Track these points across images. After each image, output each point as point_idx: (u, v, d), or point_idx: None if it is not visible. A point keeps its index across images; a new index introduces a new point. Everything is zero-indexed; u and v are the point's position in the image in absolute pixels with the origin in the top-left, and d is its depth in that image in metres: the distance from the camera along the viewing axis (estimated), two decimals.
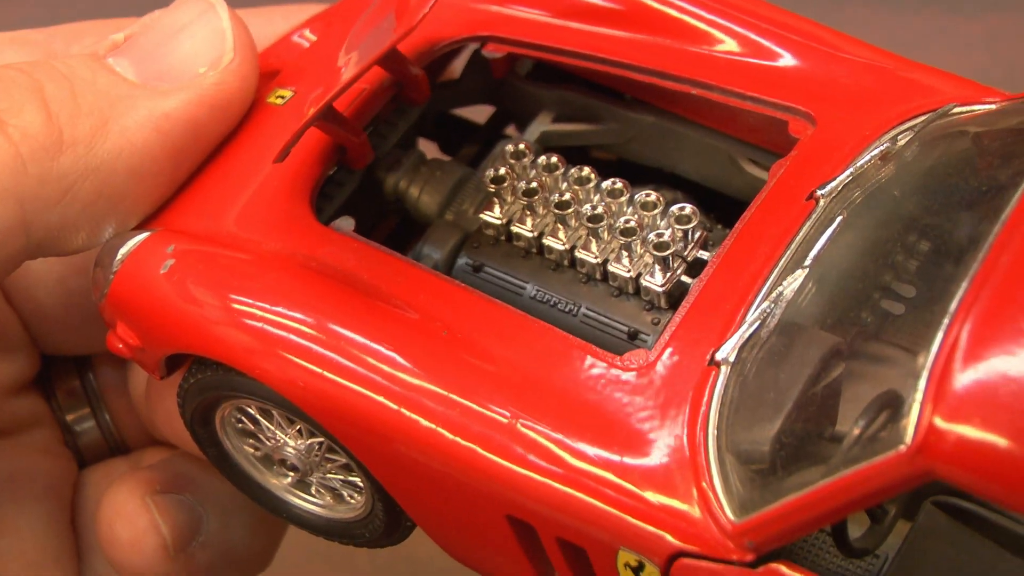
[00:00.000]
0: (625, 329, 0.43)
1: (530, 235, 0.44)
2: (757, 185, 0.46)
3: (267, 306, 0.42)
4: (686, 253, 0.43)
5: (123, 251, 0.44)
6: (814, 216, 0.41)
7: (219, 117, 0.46)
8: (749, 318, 0.39)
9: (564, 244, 0.44)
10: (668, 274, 0.42)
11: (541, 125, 0.49)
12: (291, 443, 0.45)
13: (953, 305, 0.35)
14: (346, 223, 0.45)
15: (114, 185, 0.44)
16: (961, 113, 0.44)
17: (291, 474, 0.47)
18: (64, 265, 0.50)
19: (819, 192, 0.42)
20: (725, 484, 0.37)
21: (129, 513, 0.49)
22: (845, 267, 0.40)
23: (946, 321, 0.34)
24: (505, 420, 0.39)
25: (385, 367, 0.41)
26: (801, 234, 0.41)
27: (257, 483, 0.47)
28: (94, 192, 0.43)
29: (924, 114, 0.44)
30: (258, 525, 0.52)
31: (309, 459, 0.45)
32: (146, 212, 0.46)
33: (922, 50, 0.90)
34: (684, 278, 0.43)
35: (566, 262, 0.44)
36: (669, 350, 0.40)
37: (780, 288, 0.39)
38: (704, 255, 0.43)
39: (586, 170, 0.45)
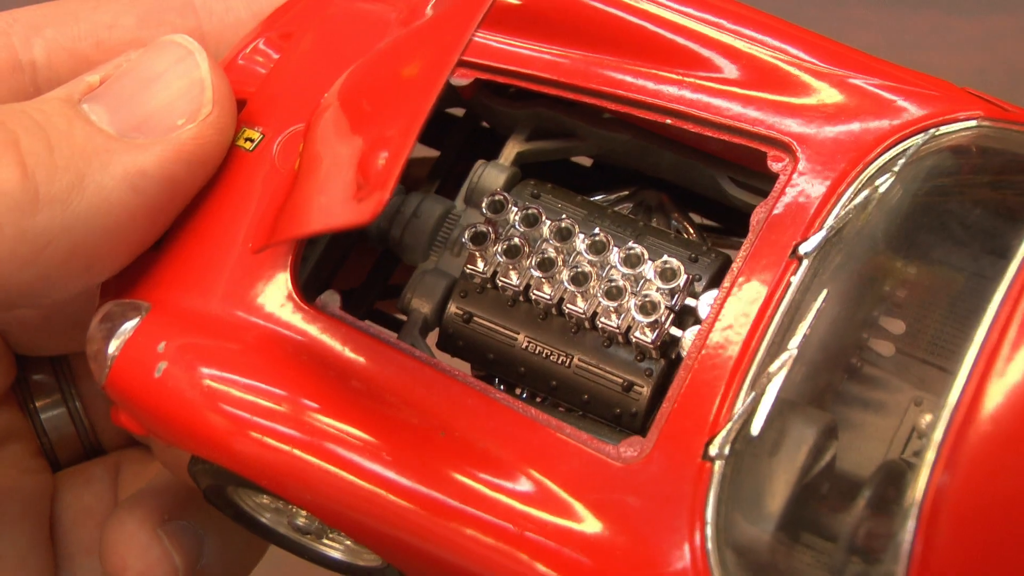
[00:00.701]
0: (620, 381, 0.43)
1: (516, 287, 0.44)
2: (736, 202, 0.46)
3: (269, 424, 0.41)
4: (674, 302, 0.42)
5: (115, 345, 0.43)
6: (797, 280, 0.40)
7: (197, 172, 0.45)
8: (738, 408, 0.39)
9: (551, 298, 0.43)
10: (658, 330, 0.42)
11: (516, 146, 0.48)
12: (302, 513, 0.46)
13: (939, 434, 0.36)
14: (332, 298, 0.44)
15: (90, 243, 0.43)
16: (941, 137, 0.43)
17: (307, 535, 0.47)
18: None
19: (802, 251, 0.41)
20: None
21: (141, 545, 0.49)
22: (829, 336, 0.40)
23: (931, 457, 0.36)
24: (513, 530, 0.39)
25: (390, 476, 0.40)
26: (786, 302, 0.40)
27: (279, 533, 0.47)
28: (69, 251, 0.42)
29: (904, 139, 0.43)
30: (251, 541, 0.52)
31: (320, 527, 0.46)
32: (121, 267, 0.45)
33: (922, 50, 0.90)
34: (673, 330, 0.42)
35: (554, 311, 0.44)
36: (662, 445, 0.39)
37: (768, 374, 0.39)
38: (692, 302, 0.42)
39: (566, 222, 0.44)
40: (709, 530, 0.38)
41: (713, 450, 0.38)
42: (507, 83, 0.46)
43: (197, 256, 0.45)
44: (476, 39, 0.45)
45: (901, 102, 0.43)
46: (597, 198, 0.48)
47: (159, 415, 0.43)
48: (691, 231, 0.48)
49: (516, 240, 0.43)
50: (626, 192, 0.49)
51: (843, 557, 0.38)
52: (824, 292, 0.40)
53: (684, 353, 0.41)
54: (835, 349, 0.40)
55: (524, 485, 0.40)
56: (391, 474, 0.40)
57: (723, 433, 0.39)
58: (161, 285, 0.45)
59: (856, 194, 0.41)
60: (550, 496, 0.39)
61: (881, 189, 0.41)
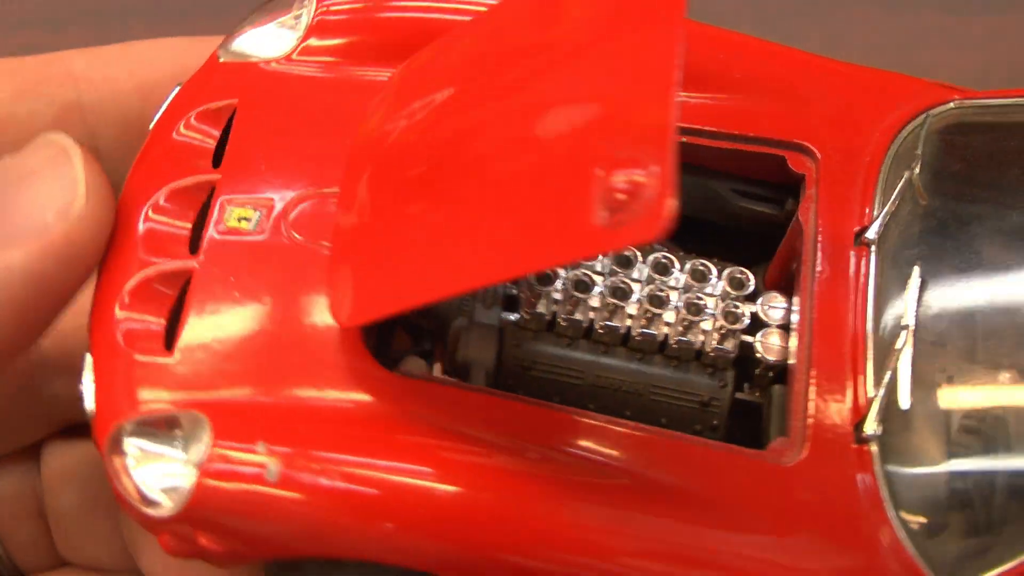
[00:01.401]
0: (698, 398, 0.43)
1: (581, 324, 0.43)
2: (745, 215, 0.46)
3: (426, 502, 0.39)
4: (740, 311, 0.43)
5: (191, 466, 0.39)
6: (874, 264, 0.43)
7: (69, 269, 0.42)
8: (872, 389, 0.41)
9: (620, 328, 0.43)
10: (735, 340, 0.43)
11: None
12: None
13: None
14: (415, 364, 0.43)
15: None
16: (937, 117, 0.46)
17: None
18: None
19: (867, 237, 0.43)
20: (930, 562, 0.39)
21: None
22: (938, 309, 0.43)
23: None
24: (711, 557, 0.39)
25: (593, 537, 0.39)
26: (872, 287, 0.42)
27: None
28: None
29: (915, 116, 0.46)
30: None
31: None
32: None
33: (922, 50, 0.90)
34: (745, 337, 0.43)
35: (616, 343, 0.44)
36: (815, 441, 0.40)
37: (895, 350, 0.41)
38: (754, 308, 0.43)
39: (627, 253, 0.44)
40: (888, 506, 0.39)
41: (868, 431, 0.40)
42: None
43: (238, 349, 0.42)
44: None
45: (895, 91, 0.47)
46: None
47: (278, 520, 0.39)
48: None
49: (580, 275, 0.43)
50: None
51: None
52: (917, 267, 0.42)
53: (764, 357, 0.42)
54: (936, 312, 0.42)
55: (718, 512, 0.40)
56: (592, 532, 0.39)
57: (872, 414, 0.40)
58: (197, 387, 0.41)
59: (889, 176, 0.44)
60: (744, 516, 0.40)
61: (916, 170, 0.44)
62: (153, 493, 0.40)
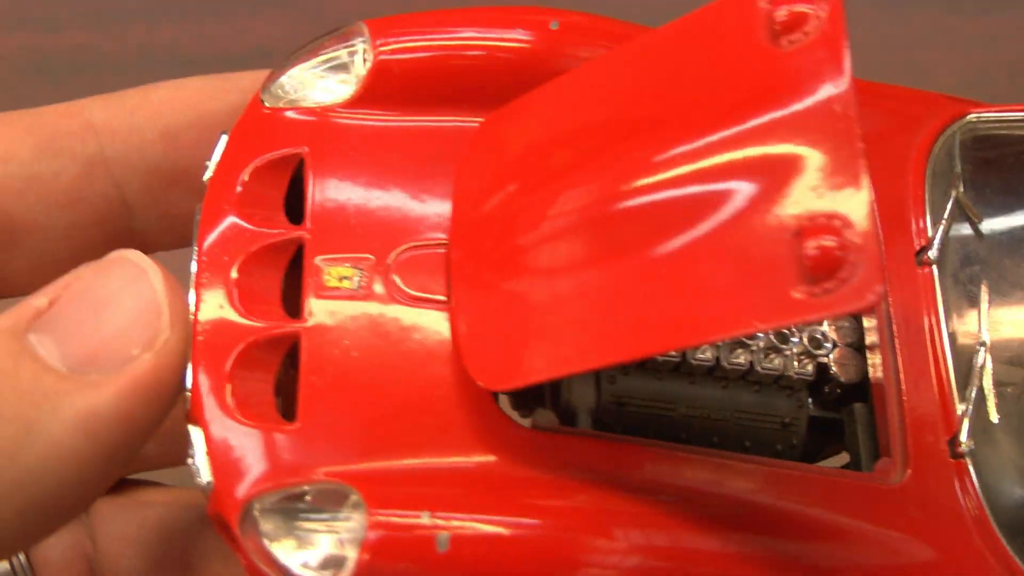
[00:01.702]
0: (780, 420, 0.44)
1: (675, 359, 0.43)
2: None
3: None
4: (822, 336, 0.44)
5: (354, 540, 0.37)
6: (938, 283, 0.43)
7: (156, 406, 0.40)
8: (959, 405, 0.42)
9: (711, 359, 0.43)
10: (814, 362, 0.44)
11: None
12: None
13: None
14: (546, 417, 0.41)
15: (41, 497, 0.38)
16: (964, 128, 0.47)
17: None
18: None
19: (930, 255, 0.44)
20: None
21: None
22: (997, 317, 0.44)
23: None
24: None
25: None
26: (941, 302, 0.43)
27: None
28: (19, 509, 0.38)
29: (942, 132, 0.47)
30: None
31: None
32: (78, 514, 0.40)
33: (922, 50, 0.90)
34: (821, 358, 0.44)
35: (703, 373, 0.44)
36: (915, 458, 0.41)
37: (976, 367, 0.43)
38: (823, 329, 0.44)
39: None
40: (991, 517, 0.40)
41: (964, 447, 0.41)
42: None
43: (367, 415, 0.40)
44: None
45: (916, 107, 0.47)
46: None
47: None
48: None
49: None
50: None
51: None
52: (984, 283, 0.44)
53: (838, 377, 0.43)
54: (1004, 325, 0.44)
55: (842, 536, 0.40)
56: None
57: (964, 429, 0.41)
58: (334, 457, 0.39)
59: (933, 195, 0.45)
60: (865, 538, 0.40)
61: (960, 188, 0.45)
62: (306, 573, 0.38)
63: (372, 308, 0.41)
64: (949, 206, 0.45)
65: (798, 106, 0.35)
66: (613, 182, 0.39)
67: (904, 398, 0.42)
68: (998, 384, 0.42)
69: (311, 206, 0.43)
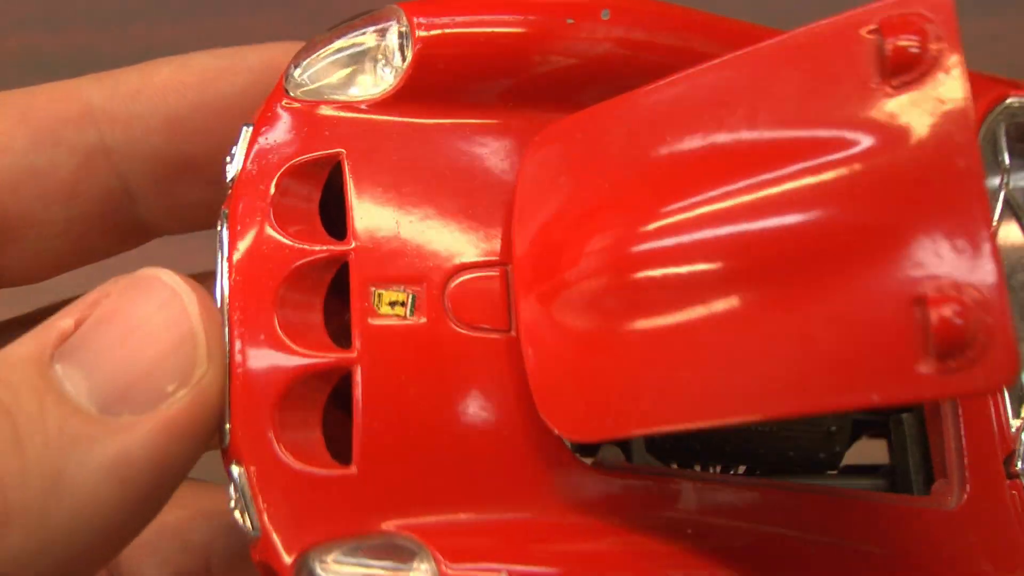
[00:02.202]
0: (823, 429, 0.43)
1: None
2: None
3: None
4: None
5: None
6: None
7: (192, 445, 0.37)
8: (1013, 420, 0.41)
9: None
10: None
11: None
12: None
13: None
14: (612, 453, 0.39)
15: (75, 549, 0.36)
16: (1005, 112, 0.45)
17: None
18: None
19: None
20: None
21: None
22: None
23: None
24: None
25: None
26: None
27: None
28: (53, 566, 0.35)
29: (984, 118, 0.44)
30: None
31: None
32: (106, 564, 0.38)
33: None
34: None
35: None
36: (973, 480, 0.40)
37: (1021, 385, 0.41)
38: None
39: None
40: None
41: (1020, 466, 0.40)
42: None
43: (431, 460, 0.37)
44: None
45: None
46: None
47: None
48: None
49: None
50: None
51: None
52: None
53: None
54: None
55: (902, 566, 0.39)
56: None
57: (1021, 448, 0.40)
58: (399, 506, 0.36)
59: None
60: (924, 566, 0.39)
61: (1010, 184, 0.43)
62: None
63: (427, 339, 0.38)
64: (999, 206, 0.42)
65: (917, 158, 0.32)
66: (708, 224, 0.35)
67: (961, 416, 0.41)
68: None
69: (354, 219, 0.39)
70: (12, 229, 0.43)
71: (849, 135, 0.33)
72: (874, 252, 0.32)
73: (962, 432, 0.40)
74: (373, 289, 0.38)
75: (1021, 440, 0.40)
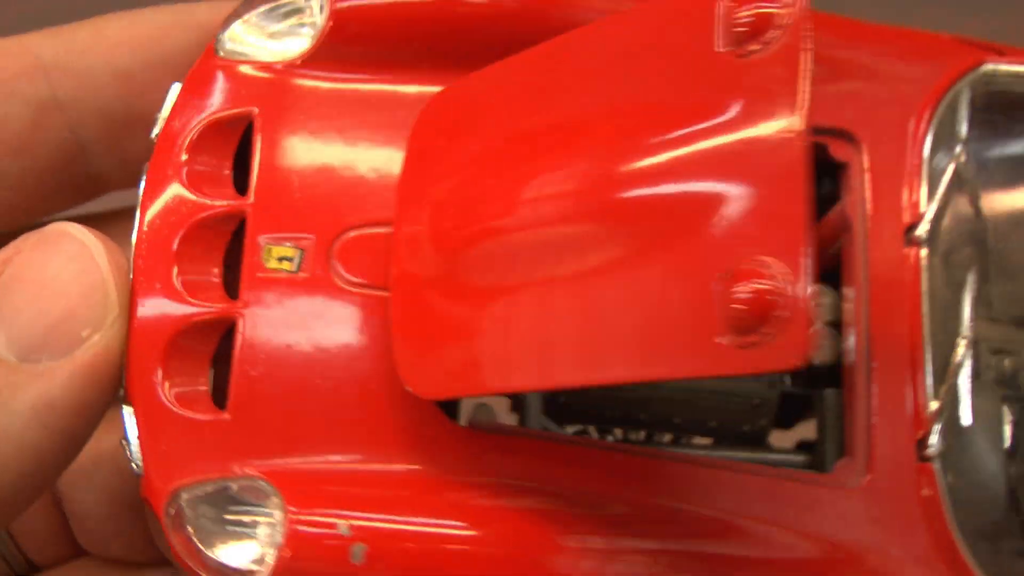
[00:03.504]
0: (748, 401, 0.43)
1: None
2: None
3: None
4: None
5: (271, 548, 0.38)
6: (925, 267, 0.40)
7: (105, 388, 0.39)
8: (931, 401, 0.39)
9: None
10: None
11: None
12: None
13: None
14: (484, 412, 0.40)
15: (3, 491, 0.38)
16: (976, 84, 0.43)
17: None
18: None
19: (917, 234, 0.40)
20: None
21: None
22: (999, 303, 0.41)
23: None
24: None
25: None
26: (925, 291, 0.40)
27: None
28: None
29: (949, 88, 0.42)
30: None
31: None
32: (37, 499, 0.40)
33: None
34: None
35: None
36: (878, 459, 0.39)
37: (954, 363, 0.39)
38: None
39: None
40: (952, 526, 0.38)
41: (931, 449, 0.39)
42: None
43: (295, 409, 0.39)
44: None
45: (928, 61, 0.44)
46: None
47: None
48: None
49: None
50: None
51: None
52: (972, 271, 0.40)
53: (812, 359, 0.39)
54: (995, 316, 0.41)
55: (777, 548, 0.39)
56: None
57: (935, 430, 0.39)
58: (255, 451, 0.39)
59: (933, 161, 0.41)
60: (806, 548, 0.39)
61: (961, 157, 0.41)
62: (225, 566, 0.38)
63: (309, 294, 0.40)
64: (947, 177, 0.41)
65: (745, 133, 0.32)
66: (561, 196, 0.37)
67: (873, 393, 0.39)
68: (977, 379, 0.39)
69: (256, 176, 0.41)
70: None
71: (687, 104, 0.34)
72: (695, 225, 0.33)
73: (871, 411, 0.39)
74: (264, 244, 0.40)
75: (936, 423, 0.39)
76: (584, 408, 0.44)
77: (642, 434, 0.46)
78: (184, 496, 0.38)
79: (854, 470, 0.39)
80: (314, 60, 0.42)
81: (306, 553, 0.37)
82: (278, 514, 0.37)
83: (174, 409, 0.39)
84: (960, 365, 0.39)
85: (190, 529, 0.38)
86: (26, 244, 0.40)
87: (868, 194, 0.41)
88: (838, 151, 0.42)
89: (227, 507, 0.38)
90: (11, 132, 0.44)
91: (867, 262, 0.40)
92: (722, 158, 0.33)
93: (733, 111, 0.33)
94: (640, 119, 0.36)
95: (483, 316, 0.38)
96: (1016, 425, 0.41)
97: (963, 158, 0.42)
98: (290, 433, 0.39)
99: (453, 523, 0.38)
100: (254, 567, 0.37)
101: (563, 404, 0.43)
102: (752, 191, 0.32)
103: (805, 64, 0.32)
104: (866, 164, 0.42)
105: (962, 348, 0.40)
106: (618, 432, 0.46)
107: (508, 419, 0.42)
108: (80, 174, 0.47)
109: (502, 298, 0.37)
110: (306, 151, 0.41)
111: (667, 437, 0.46)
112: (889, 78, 0.43)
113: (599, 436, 0.46)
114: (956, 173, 0.42)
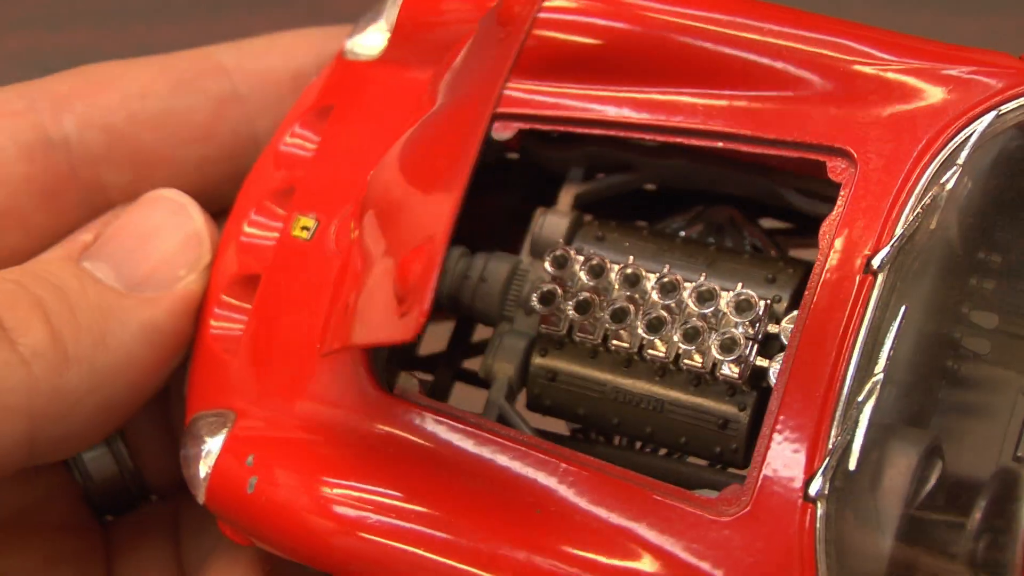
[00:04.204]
0: (715, 419, 0.41)
1: (594, 341, 0.42)
2: (807, 212, 0.44)
3: (364, 523, 0.40)
4: (756, 332, 0.40)
5: (205, 467, 0.43)
6: (874, 298, 0.38)
7: (194, 321, 0.46)
8: (832, 441, 0.37)
9: (631, 346, 0.42)
10: (742, 363, 0.40)
11: (572, 188, 0.46)
12: None
13: None
14: (409, 382, 0.43)
15: (115, 398, 0.44)
16: (1007, 116, 0.39)
17: None
18: None
19: (875, 264, 0.38)
20: None
21: None
22: (919, 350, 0.38)
23: None
24: None
25: (491, 556, 0.39)
26: (866, 323, 0.38)
27: None
28: (97, 407, 0.43)
29: (967, 124, 0.39)
30: None
31: None
32: (134, 413, 0.46)
33: None
34: (759, 360, 0.40)
35: (636, 358, 0.42)
36: (764, 492, 0.37)
37: (858, 403, 0.37)
38: (774, 329, 0.40)
39: (632, 267, 0.42)
40: (823, 572, 0.36)
41: (813, 491, 0.36)
42: (550, 129, 0.44)
43: (272, 357, 0.44)
44: (511, 91, 0.43)
45: (959, 84, 0.40)
46: (665, 225, 0.47)
47: (258, 531, 0.42)
48: (766, 244, 0.47)
49: (584, 295, 0.42)
50: (694, 214, 0.47)
51: None
52: (903, 308, 0.37)
53: (770, 385, 0.39)
54: (927, 361, 0.38)
55: (628, 558, 0.38)
56: (491, 555, 0.39)
57: (820, 472, 0.36)
58: (242, 391, 0.44)
59: (924, 194, 0.38)
60: (657, 565, 0.38)
61: (948, 185, 0.38)
62: (194, 487, 0.44)
63: (308, 259, 0.44)
64: (915, 204, 0.39)
65: (439, 123, 0.40)
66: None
67: (779, 424, 0.37)
68: (873, 424, 0.36)
69: (315, 158, 0.46)
70: (148, 165, 0.49)
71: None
72: (408, 205, 0.40)
73: (770, 440, 0.37)
74: (296, 214, 0.45)
75: (825, 463, 0.36)
76: (558, 403, 0.44)
77: (621, 442, 0.46)
78: (195, 421, 0.44)
79: (739, 500, 0.37)
80: (391, 54, 0.47)
81: (220, 478, 0.43)
82: (222, 440, 0.43)
83: (210, 347, 0.45)
84: (862, 404, 0.36)
85: (190, 448, 0.44)
86: (123, 208, 0.46)
87: (840, 217, 0.39)
88: (835, 171, 0.40)
89: (208, 432, 0.44)
90: (195, 122, 0.49)
91: (819, 287, 0.39)
92: (428, 149, 0.39)
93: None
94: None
95: (360, 282, 0.42)
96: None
97: (947, 186, 0.39)
98: (262, 379, 0.44)
99: (327, 482, 0.41)
100: (201, 482, 0.43)
101: (548, 406, 0.44)
102: (434, 182, 0.38)
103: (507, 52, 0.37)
104: (854, 186, 0.40)
105: (868, 388, 0.37)
106: (592, 435, 0.46)
107: (509, 411, 0.44)
108: (252, 166, 0.50)
109: (361, 261, 0.42)
110: (352, 140, 0.46)
111: (638, 447, 0.46)
112: (912, 98, 0.40)
113: (579, 437, 0.46)
114: (931, 201, 0.39)
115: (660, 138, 0.42)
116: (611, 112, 0.42)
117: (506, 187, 0.49)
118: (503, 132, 0.43)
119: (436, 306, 0.42)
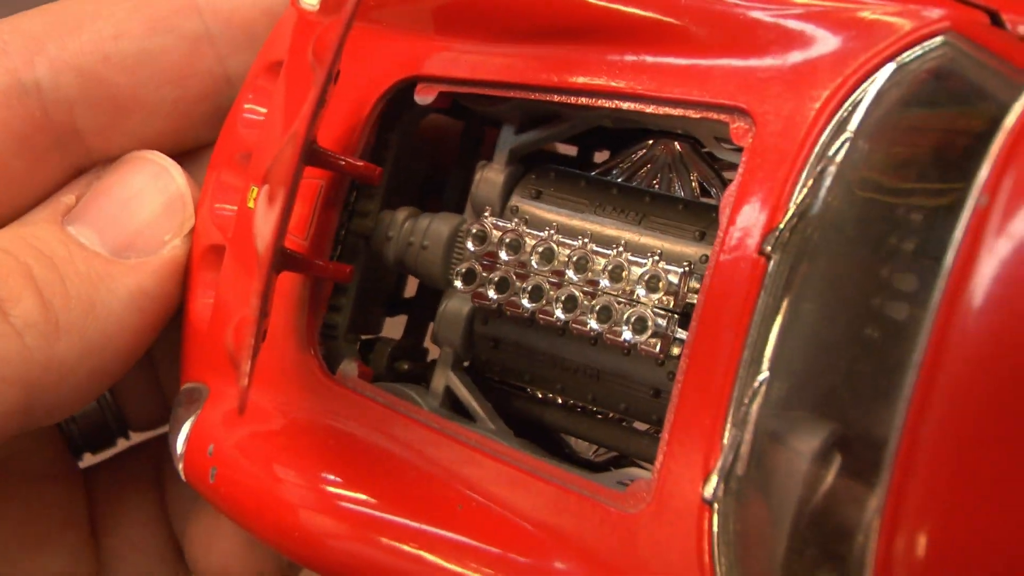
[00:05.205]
0: (647, 389, 0.41)
1: (525, 315, 0.41)
2: (732, 161, 0.41)
3: (298, 512, 0.41)
4: (673, 305, 0.39)
5: (180, 449, 0.45)
6: (766, 286, 0.34)
7: (180, 286, 0.47)
8: (725, 440, 0.34)
9: (555, 321, 0.40)
10: (660, 339, 0.38)
11: (507, 142, 0.45)
12: None
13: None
14: (349, 368, 0.44)
15: (105, 365, 0.45)
16: (906, 67, 0.34)
17: None
18: None
19: (767, 247, 0.34)
20: None
21: (242, 545, 0.50)
22: (827, 324, 0.34)
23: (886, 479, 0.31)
24: None
25: (415, 554, 0.39)
26: (760, 309, 0.34)
27: None
28: (89, 374, 0.44)
29: (867, 77, 0.34)
30: None
31: None
32: (125, 373, 0.47)
33: None
34: (680, 333, 0.38)
35: (568, 328, 0.41)
36: (663, 489, 0.35)
37: (746, 401, 0.34)
38: (693, 300, 0.38)
39: (542, 246, 0.41)
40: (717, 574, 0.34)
41: (708, 492, 0.34)
42: (465, 92, 0.43)
43: (227, 335, 0.45)
44: (434, 55, 0.43)
45: (864, 27, 0.35)
46: (615, 163, 0.46)
47: (224, 510, 0.44)
48: (710, 184, 0.45)
49: (500, 275, 0.41)
50: (643, 149, 0.45)
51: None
52: (786, 300, 0.34)
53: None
54: (843, 337, 0.34)
55: (539, 556, 0.38)
56: (415, 552, 0.39)
57: (714, 473, 0.34)
58: (212, 366, 0.46)
59: (817, 164, 0.34)
60: (563, 559, 0.37)
61: (838, 158, 0.34)
62: (175, 456, 0.46)
63: (255, 227, 0.43)
64: (810, 175, 0.34)
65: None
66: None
67: (680, 418, 0.35)
68: (759, 426, 0.34)
69: (264, 123, 0.46)
70: (123, 108, 0.48)
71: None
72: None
73: (670, 435, 0.35)
74: (252, 185, 0.46)
75: (719, 464, 0.34)
76: (507, 369, 0.44)
77: (570, 403, 0.46)
78: (180, 392, 0.46)
79: (643, 496, 0.36)
80: (328, 5, 0.46)
81: (190, 463, 0.44)
82: (193, 420, 0.45)
83: (196, 321, 0.46)
84: (749, 404, 0.33)
85: (173, 429, 0.46)
86: (104, 169, 0.47)
87: (738, 188, 0.35)
88: (737, 133, 0.36)
89: (186, 406, 0.46)
90: (168, 63, 0.48)
91: (714, 269, 0.35)
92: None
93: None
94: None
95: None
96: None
97: (840, 155, 0.34)
98: (220, 350, 0.45)
99: (281, 469, 0.42)
100: (179, 460, 0.45)
101: (495, 372, 0.45)
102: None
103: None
104: (750, 152, 0.35)
105: (756, 385, 0.33)
106: (539, 394, 0.46)
107: (455, 383, 0.45)
108: (226, 105, 0.50)
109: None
110: (292, 103, 0.45)
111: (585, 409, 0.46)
112: (812, 46, 0.35)
113: (534, 394, 0.46)
114: (823, 171, 0.34)
115: (561, 99, 0.40)
116: (517, 71, 0.41)
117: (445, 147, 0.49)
118: (425, 96, 0.43)
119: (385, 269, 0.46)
